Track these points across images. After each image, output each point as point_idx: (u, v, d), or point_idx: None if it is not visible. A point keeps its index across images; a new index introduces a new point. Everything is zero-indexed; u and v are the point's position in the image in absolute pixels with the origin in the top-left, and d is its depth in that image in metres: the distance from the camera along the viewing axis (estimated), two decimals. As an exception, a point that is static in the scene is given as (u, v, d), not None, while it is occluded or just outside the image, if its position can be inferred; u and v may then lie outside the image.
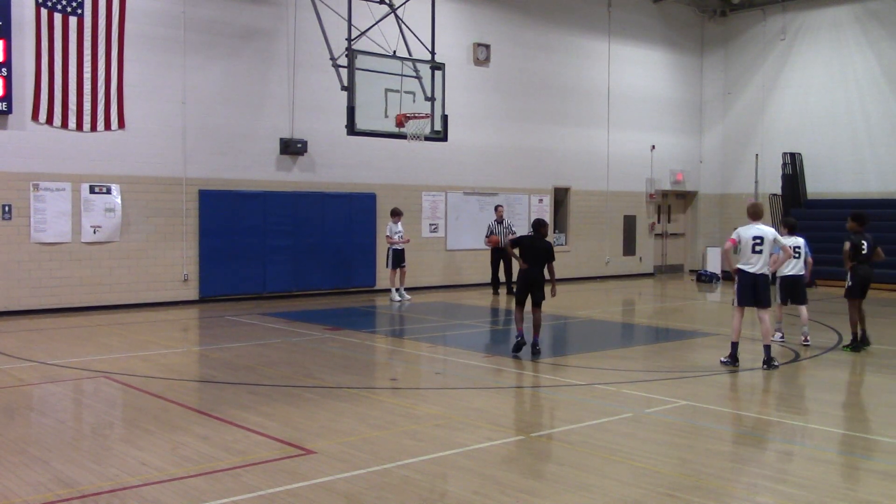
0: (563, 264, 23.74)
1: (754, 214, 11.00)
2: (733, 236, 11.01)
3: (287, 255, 18.52)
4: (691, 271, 26.74)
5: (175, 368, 10.66)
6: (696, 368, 10.97)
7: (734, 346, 10.99)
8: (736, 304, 11.00)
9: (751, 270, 10.81)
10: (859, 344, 12.18)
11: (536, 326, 11.71)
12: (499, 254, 19.72)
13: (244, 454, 6.87)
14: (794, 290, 12.55)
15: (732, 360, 10.95)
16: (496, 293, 19.83)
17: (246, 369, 10.56)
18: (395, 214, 18.39)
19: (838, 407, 9.09)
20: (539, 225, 11.77)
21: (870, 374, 10.72)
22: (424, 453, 6.93)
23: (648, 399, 9.36)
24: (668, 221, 27.35)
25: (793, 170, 24.74)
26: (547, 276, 11.74)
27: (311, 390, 9.40)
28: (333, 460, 6.70)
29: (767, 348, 10.84)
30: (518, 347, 11.70)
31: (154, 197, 16.81)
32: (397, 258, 18.25)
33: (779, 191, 25.00)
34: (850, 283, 12.25)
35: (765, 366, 10.74)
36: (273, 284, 18.38)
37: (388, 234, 18.32)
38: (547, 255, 11.59)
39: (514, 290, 11.98)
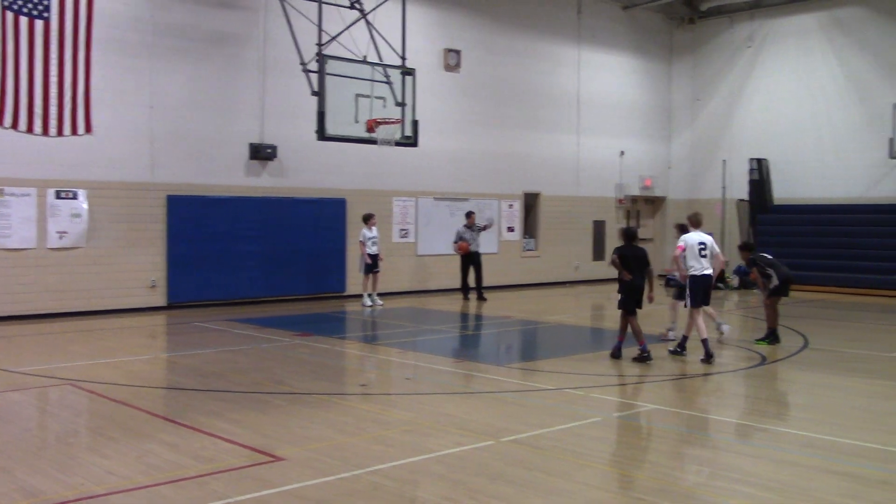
0: (533, 269, 23.89)
1: (696, 223, 12.22)
2: (680, 243, 12.04)
3: (257, 261, 18.40)
4: (660, 276, 26.91)
5: (142, 375, 10.55)
6: (665, 372, 11.05)
7: (706, 342, 11.62)
8: (690, 306, 11.92)
9: (702, 273, 11.83)
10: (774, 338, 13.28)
11: (638, 333, 11.64)
12: (468, 259, 19.76)
13: (212, 461, 6.81)
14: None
15: (708, 357, 11.51)
16: (466, 298, 19.84)
17: (214, 376, 10.48)
18: (367, 219, 18.34)
19: (804, 409, 9.19)
20: (634, 234, 12.08)
21: (836, 377, 10.85)
22: (394, 459, 6.91)
23: (618, 403, 9.41)
24: (638, 226, 27.51)
25: (760, 175, 25.02)
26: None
27: (281, 397, 9.34)
28: (303, 467, 6.66)
29: (685, 339, 12.01)
30: (647, 357, 11.58)
31: (121, 202, 16.64)
32: (370, 264, 18.21)
33: (746, 196, 25.26)
34: (777, 284, 13.22)
35: (680, 350, 11.95)
36: (242, 290, 18.25)
37: (360, 239, 18.25)
38: (646, 261, 11.78)
39: (623, 302, 11.69)
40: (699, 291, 11.84)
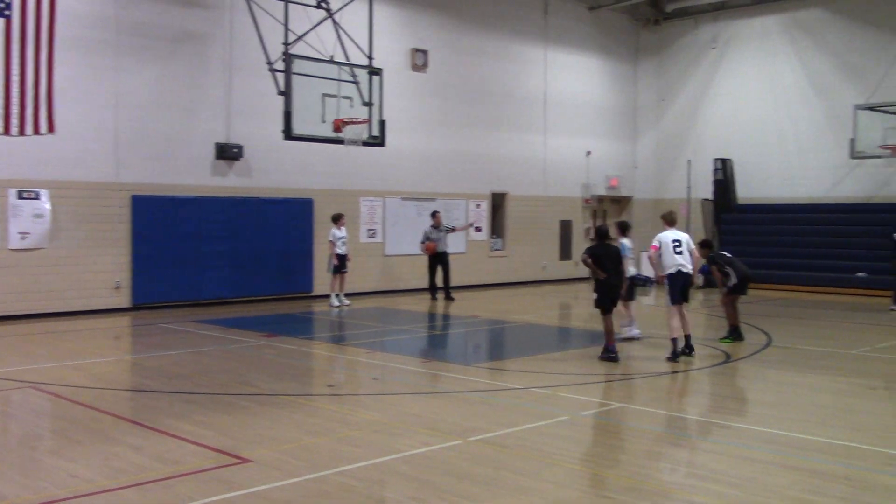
0: (500, 269, 23.94)
1: (671, 221, 12.29)
2: (654, 243, 12.05)
3: (223, 262, 18.25)
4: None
5: (107, 378, 10.43)
6: (632, 371, 11.13)
7: (675, 342, 11.65)
8: (671, 303, 11.86)
9: (678, 271, 11.80)
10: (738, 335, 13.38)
11: (609, 333, 11.67)
12: (436, 259, 19.77)
13: (178, 464, 6.75)
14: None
15: (675, 356, 11.58)
16: (434, 298, 19.84)
17: (180, 378, 10.39)
18: (337, 219, 18.31)
19: (768, 406, 9.30)
20: (606, 232, 12.08)
21: (799, 374, 11.00)
22: (362, 459, 6.90)
23: (584, 402, 9.46)
24: (605, 226, 27.64)
25: (724, 175, 25.26)
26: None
27: (247, 398, 9.28)
28: (269, 468, 6.63)
29: (689, 337, 11.87)
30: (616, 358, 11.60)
31: (85, 202, 16.43)
32: (338, 264, 18.18)
33: (711, 196, 25.51)
34: (735, 282, 13.42)
35: (689, 352, 11.77)
36: (208, 291, 18.10)
37: (330, 239, 18.20)
38: (620, 259, 11.83)
39: (599, 301, 11.70)
40: (677, 288, 11.84)
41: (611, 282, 11.64)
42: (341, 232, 18.22)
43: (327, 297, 18.59)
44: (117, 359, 12.25)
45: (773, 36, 25.13)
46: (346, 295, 18.58)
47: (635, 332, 13.47)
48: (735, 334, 13.30)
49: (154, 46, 17.25)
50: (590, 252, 11.78)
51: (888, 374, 11.32)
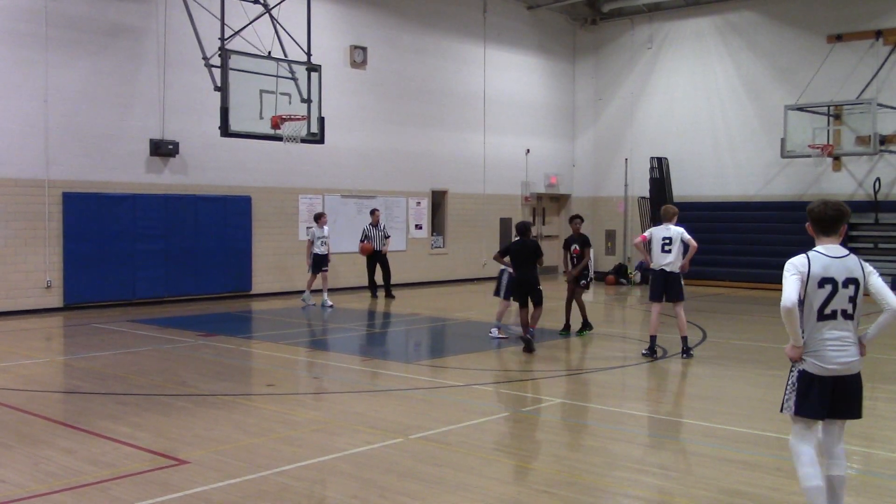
0: (441, 266, 23.97)
1: (666, 217, 12.04)
2: (645, 234, 12.13)
3: (158, 260, 17.93)
4: (564, 272, 27.33)
5: (37, 379, 10.16)
6: (571, 367, 11.24)
7: (653, 339, 11.78)
8: (650, 300, 12.00)
9: (660, 269, 11.74)
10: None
11: (535, 319, 12.13)
12: (374, 258, 19.73)
13: (113, 467, 6.61)
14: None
15: (651, 352, 11.70)
16: (374, 296, 19.79)
17: (114, 378, 10.18)
18: (318, 218, 18.20)
19: (703, 400, 9.48)
20: (526, 228, 12.30)
21: (734, 368, 11.23)
22: (302, 459, 6.84)
23: (525, 398, 9.52)
24: (543, 223, 27.92)
25: (660, 174, 25.64)
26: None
27: (185, 398, 9.13)
28: (208, 470, 6.53)
29: (684, 339, 11.78)
30: (529, 348, 12.00)
31: (13, 200, 15.99)
32: (319, 262, 18.04)
33: (647, 194, 25.89)
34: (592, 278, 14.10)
35: (683, 355, 11.66)
36: (143, 290, 17.76)
37: (310, 238, 18.07)
38: (536, 254, 12.07)
39: (513, 295, 12.35)
40: (658, 287, 11.76)
41: (521, 277, 12.06)
42: (322, 231, 18.06)
43: (267, 296, 18.40)
44: (48, 360, 11.94)
45: (707, 37, 25.61)
46: (286, 293, 18.43)
47: (493, 331, 13.51)
48: (565, 330, 13.74)
49: (85, 40, 16.85)
50: (503, 250, 12.30)
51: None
